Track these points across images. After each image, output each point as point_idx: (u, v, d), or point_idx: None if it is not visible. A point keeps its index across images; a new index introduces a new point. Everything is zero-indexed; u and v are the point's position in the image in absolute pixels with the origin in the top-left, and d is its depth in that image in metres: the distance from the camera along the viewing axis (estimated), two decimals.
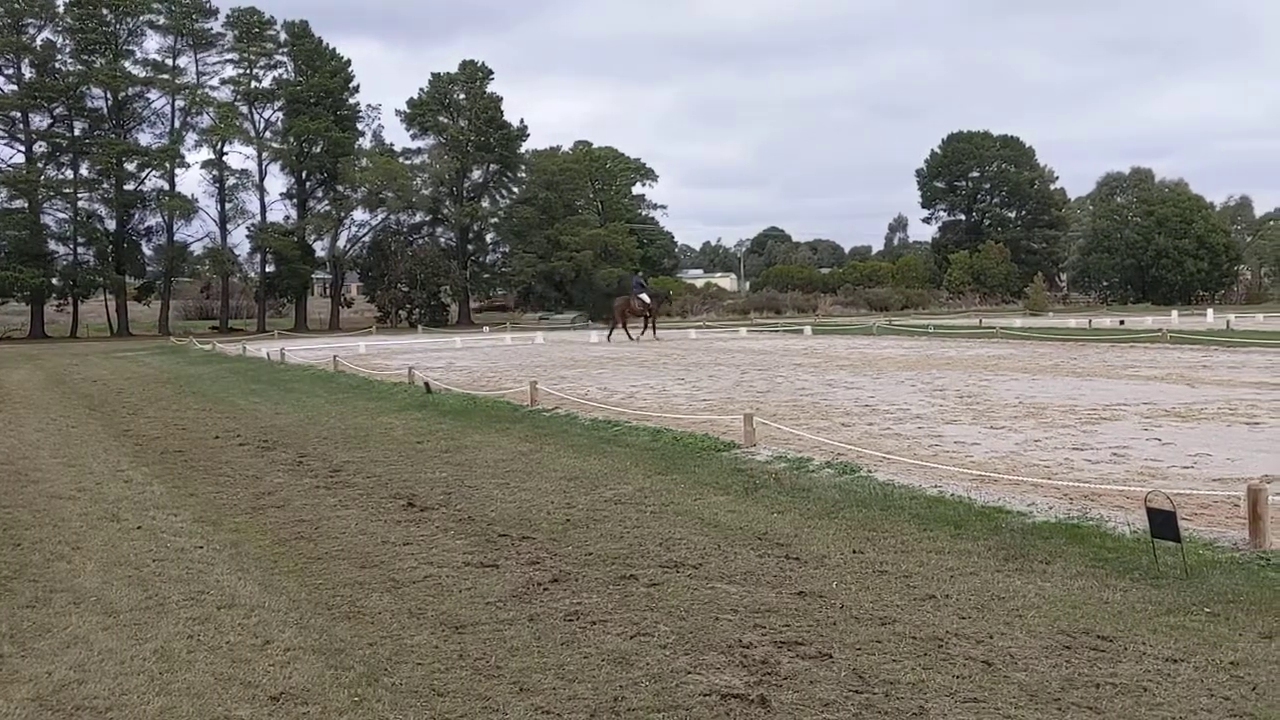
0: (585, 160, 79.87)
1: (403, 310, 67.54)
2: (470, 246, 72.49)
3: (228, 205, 67.63)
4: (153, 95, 65.86)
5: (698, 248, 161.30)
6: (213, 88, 67.44)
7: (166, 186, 65.74)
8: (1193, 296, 76.36)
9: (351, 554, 7.00)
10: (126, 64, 64.12)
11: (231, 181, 67.66)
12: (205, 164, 67.34)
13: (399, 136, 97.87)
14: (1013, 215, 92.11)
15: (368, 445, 12.25)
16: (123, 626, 5.51)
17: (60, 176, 63.72)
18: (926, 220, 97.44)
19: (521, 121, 72.79)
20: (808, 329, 41.03)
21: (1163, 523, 5.91)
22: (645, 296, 38.16)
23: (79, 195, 62.88)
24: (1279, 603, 5.26)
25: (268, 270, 68.46)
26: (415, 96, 71.65)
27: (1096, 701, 4.18)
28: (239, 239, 69.36)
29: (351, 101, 70.49)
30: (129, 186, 64.10)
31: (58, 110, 62.86)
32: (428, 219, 70.86)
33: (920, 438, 11.06)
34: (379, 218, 69.50)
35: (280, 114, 68.68)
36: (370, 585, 6.21)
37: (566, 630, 5.25)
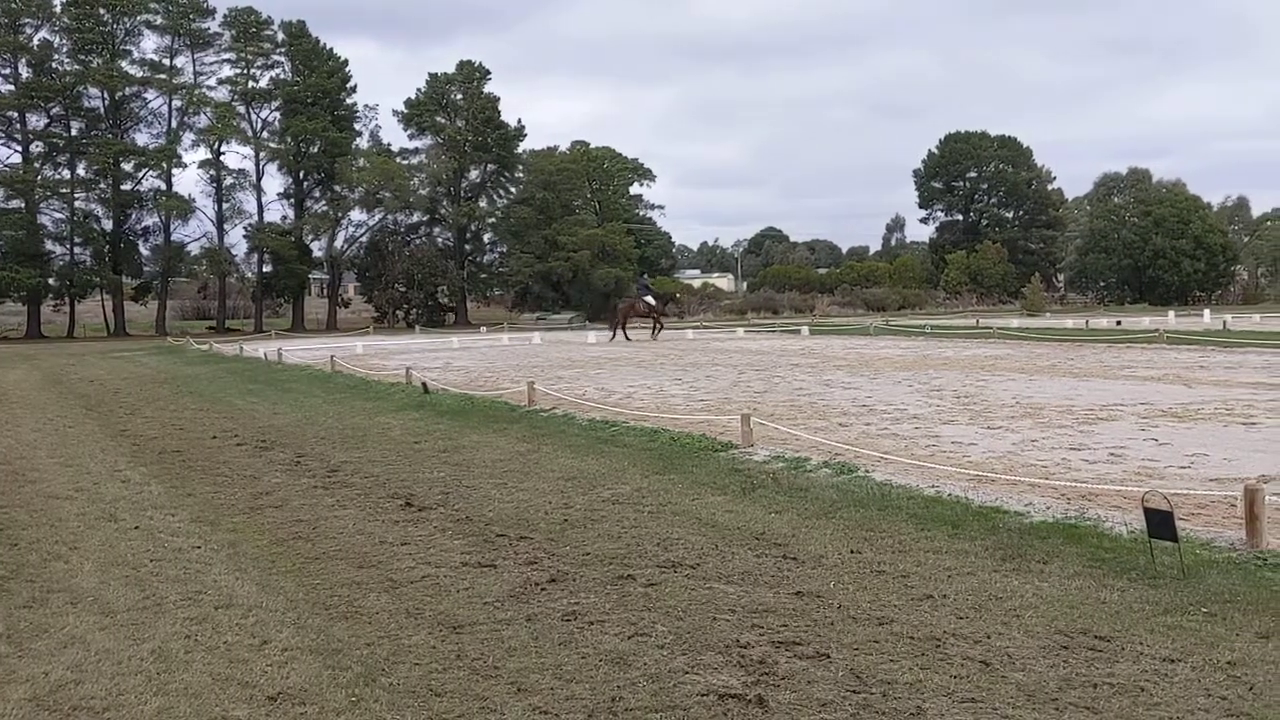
0: (583, 160, 79.87)
1: (400, 310, 67.50)
2: (468, 246, 72.47)
3: (225, 205, 67.58)
4: (150, 95, 65.85)
5: (695, 248, 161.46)
6: (210, 88, 67.46)
7: (163, 186, 65.67)
8: (1189, 297, 76.43)
9: (349, 554, 7.00)
10: (123, 64, 64.06)
11: (229, 181, 67.62)
12: (202, 164, 67.37)
13: (396, 137, 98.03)
14: (1010, 215, 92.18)
15: (365, 445, 12.25)
16: (120, 626, 5.51)
17: (57, 176, 63.66)
18: (924, 220, 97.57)
19: (519, 121, 72.85)
20: (805, 329, 41.04)
21: (1160, 523, 5.92)
22: (650, 298, 38.24)
23: (76, 195, 62.82)
24: (1276, 602, 5.26)
25: (265, 270, 68.41)
26: (413, 97, 71.67)
27: (1094, 701, 4.19)
28: (236, 239, 69.41)
29: (349, 101, 70.45)
30: (126, 186, 64.02)
31: (54, 110, 62.77)
32: (425, 219, 70.83)
33: (917, 438, 11.07)
34: (376, 218, 69.49)
35: (277, 114, 68.63)
36: (368, 585, 6.21)
37: (564, 630, 5.25)
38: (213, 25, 66.49)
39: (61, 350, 44.74)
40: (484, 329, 52.83)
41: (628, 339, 36.59)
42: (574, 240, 67.35)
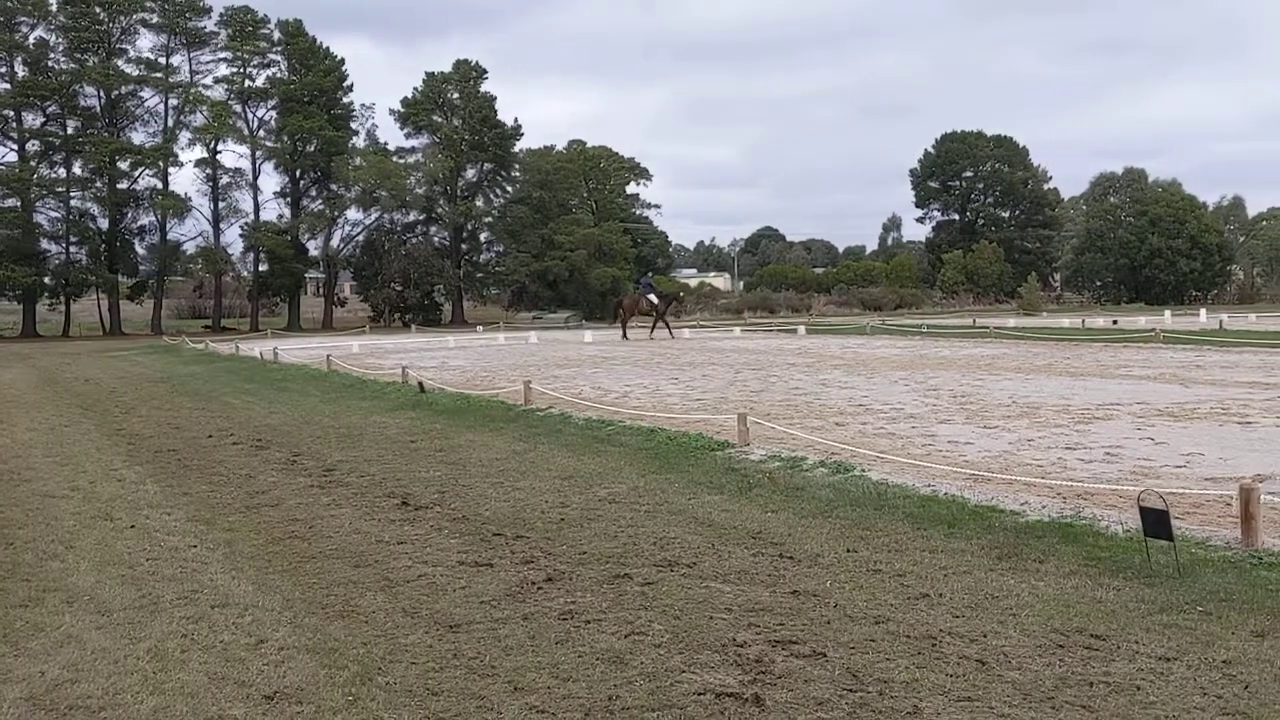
0: (579, 159, 79.74)
1: (396, 310, 67.43)
2: (464, 246, 72.39)
3: (221, 204, 67.44)
4: (146, 94, 65.70)
5: (691, 247, 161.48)
6: (206, 86, 67.27)
7: (159, 185, 65.49)
8: (1186, 296, 76.53)
9: (345, 553, 7.00)
10: (119, 62, 63.94)
11: (225, 180, 67.48)
12: (198, 162, 67.21)
13: (393, 135, 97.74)
14: (1006, 215, 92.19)
15: (361, 444, 12.24)
16: (116, 625, 5.50)
17: (53, 175, 63.52)
18: (920, 220, 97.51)
19: (515, 120, 72.91)
20: (801, 329, 41.07)
21: (1155, 522, 5.93)
22: (654, 296, 38.35)
23: (72, 194, 62.64)
24: (1271, 601, 5.28)
25: (261, 269, 68.31)
26: (409, 95, 71.54)
27: (1090, 700, 4.19)
28: (232, 238, 69.24)
29: (345, 100, 70.32)
30: (122, 185, 63.87)
31: (51, 109, 62.65)
32: (421, 218, 70.71)
33: (914, 437, 11.08)
34: (373, 217, 69.35)
35: (274, 112, 68.50)
36: (364, 584, 6.21)
37: (561, 629, 5.25)
38: (209, 24, 66.44)
39: (56, 349, 44.67)
40: (480, 328, 52.79)
41: (625, 337, 36.64)
42: (570, 239, 67.27)
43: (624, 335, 37.05)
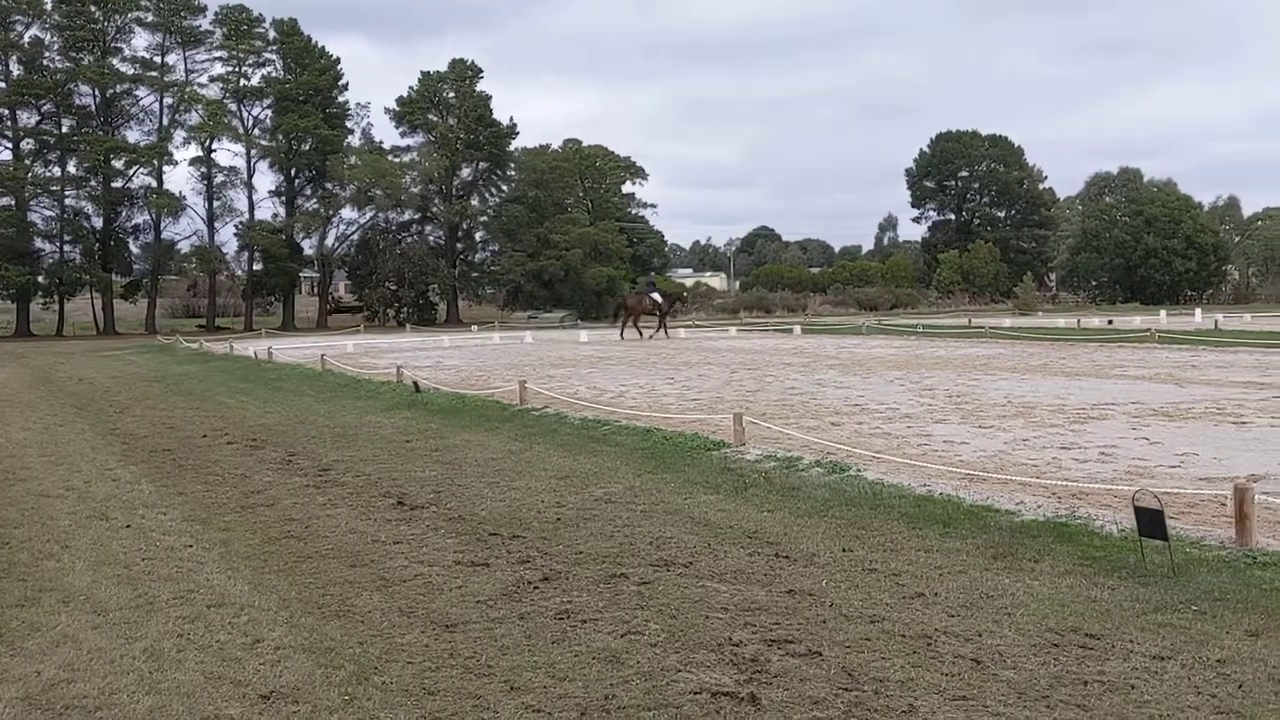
0: (575, 159, 79.66)
1: (391, 309, 67.35)
2: (459, 245, 72.30)
3: (215, 203, 67.29)
4: (141, 92, 65.48)
5: (687, 247, 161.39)
6: (201, 85, 67.06)
7: (154, 184, 65.32)
8: (1181, 296, 76.59)
9: (341, 553, 7.00)
10: (114, 61, 63.74)
11: (219, 179, 67.31)
12: (193, 161, 67.02)
13: (388, 134, 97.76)
14: (1002, 215, 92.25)
15: (357, 444, 12.23)
16: (112, 625, 5.50)
17: (47, 174, 63.28)
18: (916, 220, 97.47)
19: (511, 120, 72.63)
20: (797, 328, 41.09)
21: (1150, 521, 5.95)
22: (656, 296, 38.40)
23: (66, 193, 62.48)
24: (1265, 601, 5.29)
25: (255, 268, 68.13)
26: (405, 94, 71.37)
27: (1084, 699, 4.21)
28: (227, 237, 69.17)
29: (340, 99, 70.17)
30: (116, 184, 63.70)
31: (45, 107, 62.48)
32: (416, 217, 70.62)
33: (909, 437, 11.10)
34: (368, 216, 69.22)
35: (269, 111, 68.36)
36: (360, 584, 6.21)
37: (557, 629, 5.25)
38: (204, 23, 66.23)
39: (51, 349, 44.57)
40: (475, 328, 52.75)
41: (623, 337, 36.63)
42: (566, 239, 67.21)
43: (622, 335, 37.04)
